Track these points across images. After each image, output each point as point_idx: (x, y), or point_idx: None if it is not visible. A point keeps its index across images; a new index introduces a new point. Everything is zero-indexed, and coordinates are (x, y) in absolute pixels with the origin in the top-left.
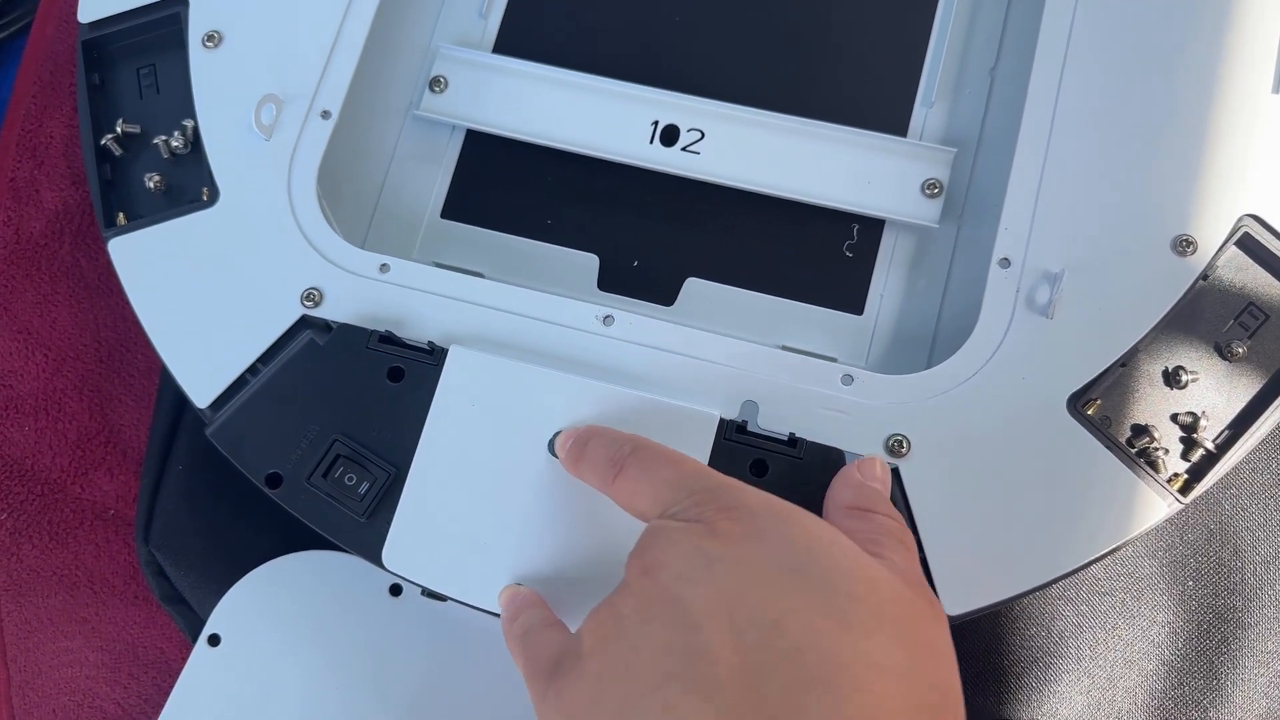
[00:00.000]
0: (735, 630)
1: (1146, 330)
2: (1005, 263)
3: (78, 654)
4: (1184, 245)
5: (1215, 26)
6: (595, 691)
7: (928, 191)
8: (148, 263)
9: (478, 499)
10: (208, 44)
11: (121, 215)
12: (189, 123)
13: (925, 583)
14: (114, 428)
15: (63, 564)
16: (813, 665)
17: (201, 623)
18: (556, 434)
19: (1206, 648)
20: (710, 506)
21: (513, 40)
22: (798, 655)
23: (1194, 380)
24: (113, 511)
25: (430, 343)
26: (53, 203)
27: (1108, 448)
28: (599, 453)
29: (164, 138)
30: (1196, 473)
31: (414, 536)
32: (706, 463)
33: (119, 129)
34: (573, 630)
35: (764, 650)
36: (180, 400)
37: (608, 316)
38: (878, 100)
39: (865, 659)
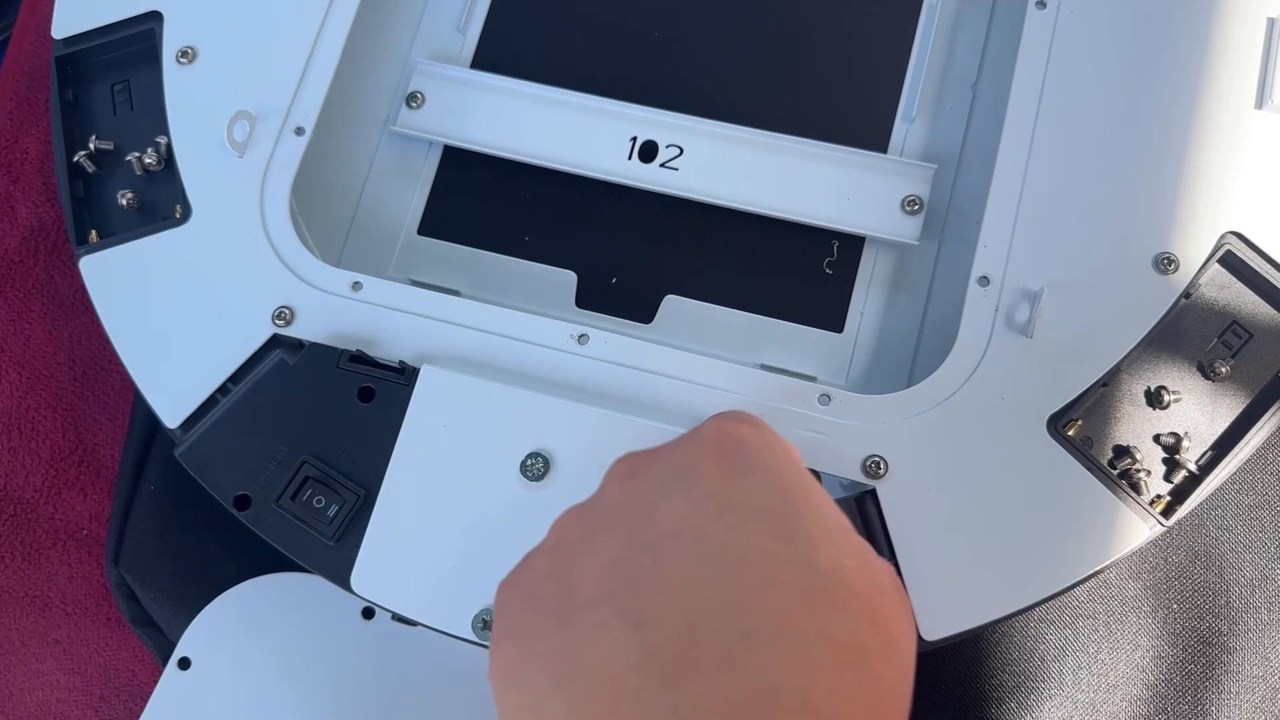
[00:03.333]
0: (693, 561)
1: (1128, 349)
2: (984, 280)
3: (49, 676)
4: (1166, 263)
5: (1198, 42)
6: (537, 589)
7: (908, 208)
8: (119, 281)
9: (449, 522)
10: (182, 60)
11: (94, 233)
12: (162, 139)
13: (900, 584)
14: (88, 447)
15: (34, 585)
16: (763, 624)
17: (172, 645)
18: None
19: (1191, 672)
20: (729, 421)
21: (491, 56)
22: (750, 607)
23: (1176, 400)
24: (85, 532)
25: (401, 362)
26: (28, 219)
27: (1089, 469)
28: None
29: (137, 154)
30: (1179, 495)
31: (383, 560)
32: None
33: (92, 145)
34: None
35: (715, 591)
36: (153, 419)
37: (582, 335)
38: (858, 116)
39: (823, 634)
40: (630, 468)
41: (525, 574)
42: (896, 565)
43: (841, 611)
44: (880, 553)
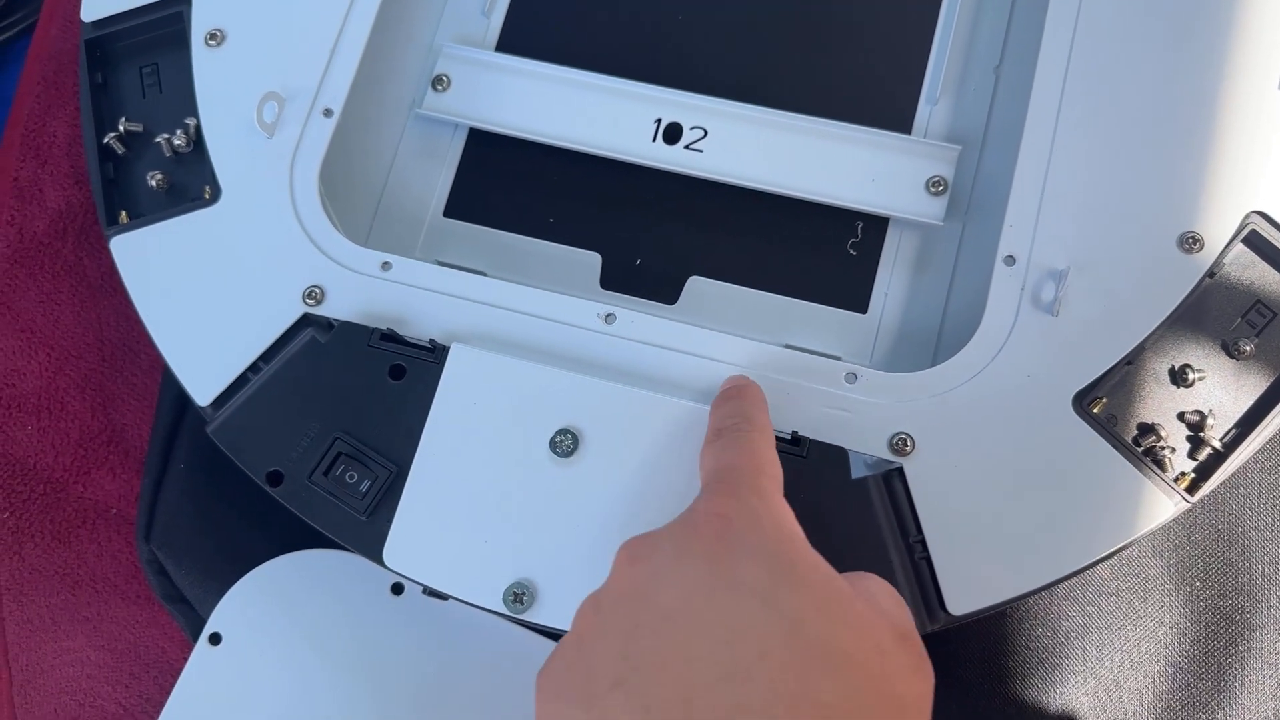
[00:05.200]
0: (688, 639)
1: (1153, 328)
2: (1010, 260)
3: (79, 653)
4: (1190, 242)
5: (1222, 21)
6: (562, 679)
7: (932, 189)
8: (150, 261)
9: (479, 497)
10: (210, 42)
11: (124, 214)
12: (191, 121)
13: (914, 633)
14: (116, 426)
15: (65, 563)
16: (753, 695)
17: (202, 622)
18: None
19: (1214, 649)
20: (717, 497)
21: (516, 38)
22: (741, 679)
23: (1201, 378)
24: (115, 510)
25: (432, 340)
26: (56, 202)
27: (1114, 446)
28: (722, 411)
29: (166, 136)
30: (1204, 472)
31: (415, 535)
32: None
33: (121, 128)
34: None
35: (708, 666)
36: (182, 399)
37: (609, 314)
38: (882, 97)
39: (812, 700)
40: (632, 553)
41: (553, 665)
42: (923, 541)
43: (831, 676)
44: (907, 529)
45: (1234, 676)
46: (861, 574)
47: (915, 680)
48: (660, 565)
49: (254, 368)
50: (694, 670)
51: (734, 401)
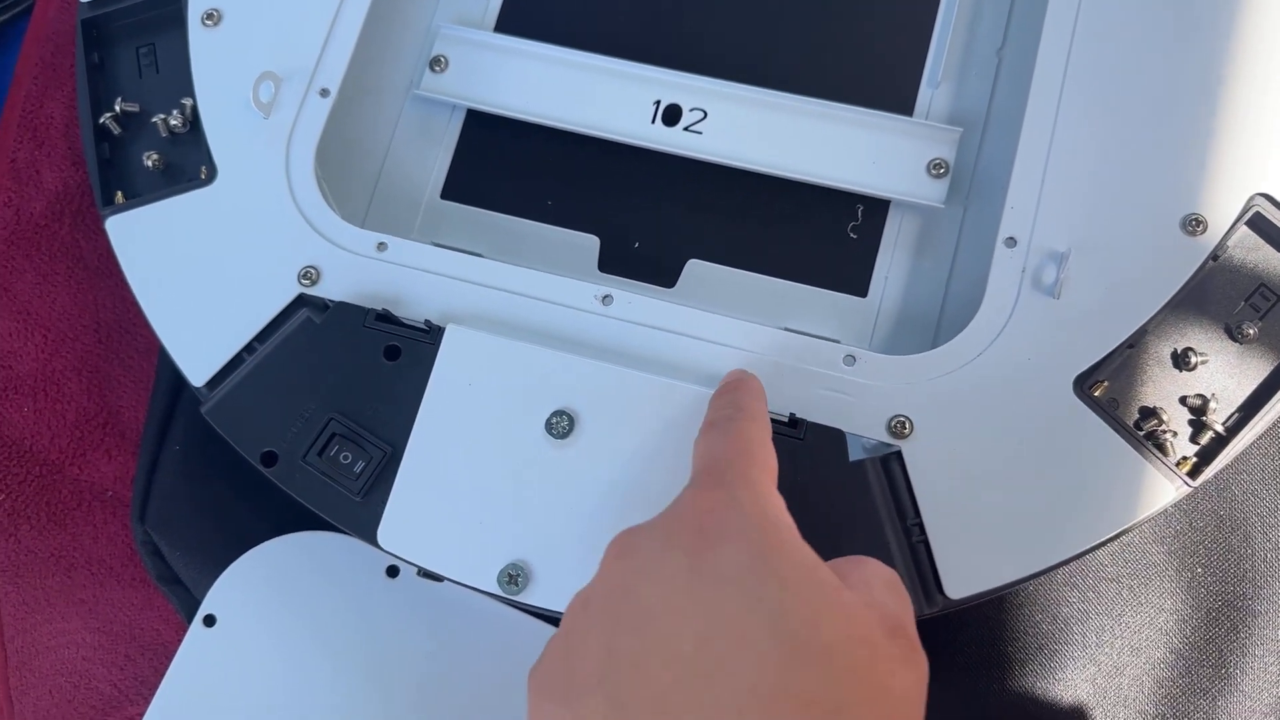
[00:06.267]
0: (667, 638)
1: (1155, 311)
2: (1011, 242)
3: (74, 635)
4: (1194, 224)
5: (1226, 1)
6: (549, 676)
7: (933, 171)
8: (145, 241)
9: (474, 478)
10: (207, 22)
11: (120, 194)
12: (188, 101)
13: (907, 623)
14: (112, 409)
15: (60, 545)
16: (730, 692)
17: (197, 604)
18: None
19: (1215, 636)
20: (703, 490)
21: (514, 19)
22: (718, 677)
23: (1203, 362)
24: (111, 493)
25: (427, 321)
26: (53, 183)
27: (1115, 430)
28: (717, 404)
29: (163, 116)
30: (1206, 456)
31: (410, 516)
32: None
33: (118, 108)
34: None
35: (686, 665)
36: (178, 380)
37: (606, 296)
38: (883, 79)
39: (791, 694)
40: (620, 548)
41: (542, 662)
42: (921, 524)
43: (812, 669)
44: (904, 512)
45: (1235, 663)
46: (860, 559)
47: (904, 672)
48: (644, 561)
49: (249, 348)
50: (671, 668)
51: (730, 394)
